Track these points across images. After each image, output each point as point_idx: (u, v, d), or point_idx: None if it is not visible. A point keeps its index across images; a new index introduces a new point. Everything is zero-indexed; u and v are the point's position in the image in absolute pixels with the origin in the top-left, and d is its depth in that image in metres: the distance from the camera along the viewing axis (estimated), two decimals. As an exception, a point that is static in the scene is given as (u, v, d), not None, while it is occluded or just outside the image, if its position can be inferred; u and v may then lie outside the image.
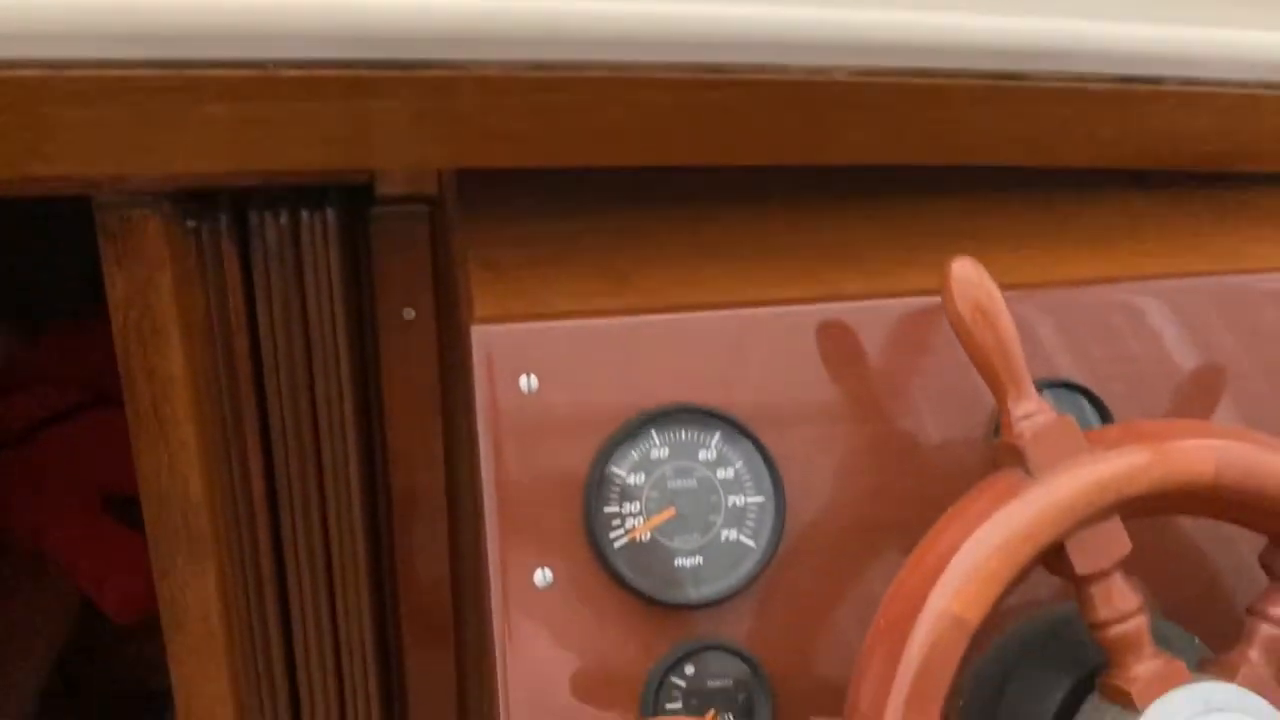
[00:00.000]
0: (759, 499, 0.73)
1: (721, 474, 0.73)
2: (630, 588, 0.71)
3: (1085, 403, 0.78)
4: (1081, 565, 0.64)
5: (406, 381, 0.90)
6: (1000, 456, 0.66)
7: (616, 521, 0.71)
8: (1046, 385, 0.77)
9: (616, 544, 0.71)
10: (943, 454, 0.76)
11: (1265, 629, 0.67)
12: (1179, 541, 0.79)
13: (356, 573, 0.92)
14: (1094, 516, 0.64)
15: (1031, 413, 0.65)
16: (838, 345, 0.76)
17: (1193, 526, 0.78)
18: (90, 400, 1.67)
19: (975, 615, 0.62)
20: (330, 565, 0.92)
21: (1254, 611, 0.68)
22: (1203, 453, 0.65)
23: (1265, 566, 0.69)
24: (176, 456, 0.89)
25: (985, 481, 0.65)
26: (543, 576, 0.71)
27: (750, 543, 0.73)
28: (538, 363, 0.71)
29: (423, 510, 0.92)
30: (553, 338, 0.72)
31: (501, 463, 0.70)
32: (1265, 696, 0.65)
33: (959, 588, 0.62)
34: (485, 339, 0.71)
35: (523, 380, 0.71)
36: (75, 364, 1.68)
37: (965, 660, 0.63)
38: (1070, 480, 0.63)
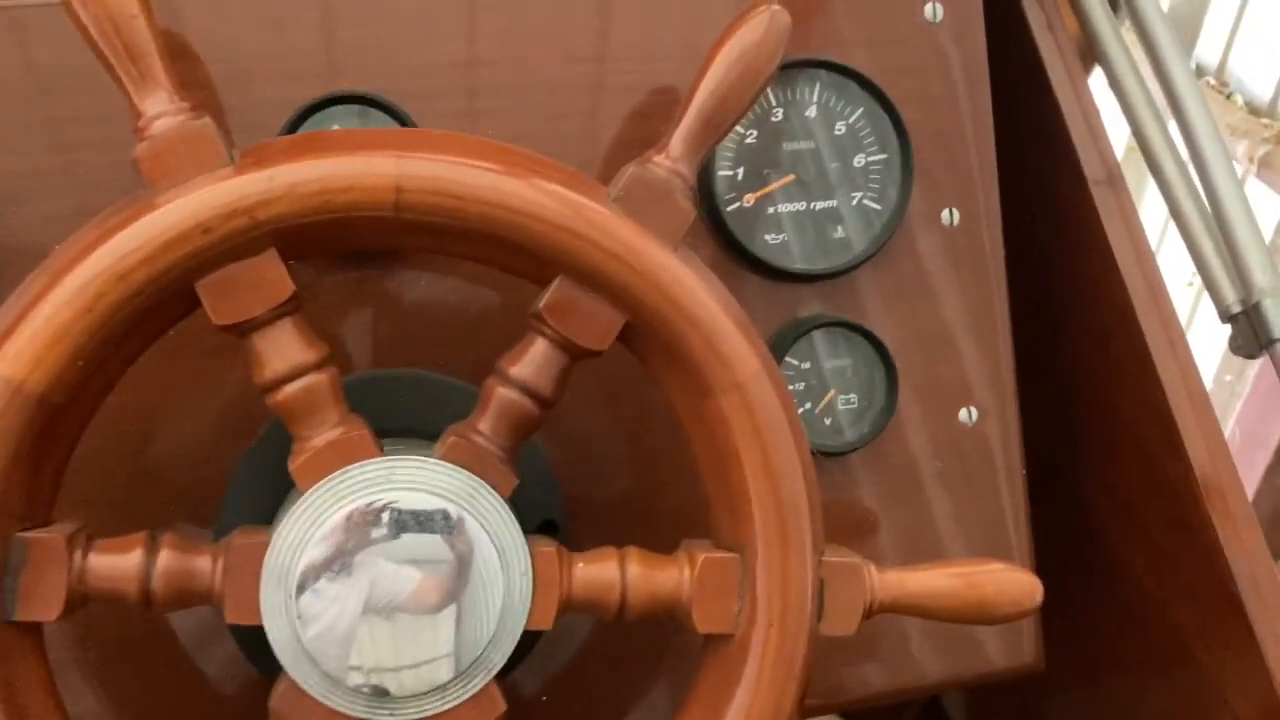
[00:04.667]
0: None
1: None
2: None
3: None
4: (221, 312, 0.50)
5: None
6: None
7: None
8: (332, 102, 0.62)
9: None
10: None
11: (501, 392, 0.54)
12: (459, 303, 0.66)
13: None
14: (229, 250, 0.49)
15: (163, 113, 0.50)
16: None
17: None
18: None
19: (40, 378, 0.47)
20: None
21: (494, 370, 0.55)
22: (381, 165, 0.50)
23: (529, 317, 0.55)
24: None
25: (104, 213, 0.51)
26: None
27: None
28: None
29: None
30: None
31: None
32: (474, 469, 0.52)
33: (20, 348, 0.48)
34: None
35: None
36: None
37: (54, 436, 0.49)
38: (184, 203, 0.48)
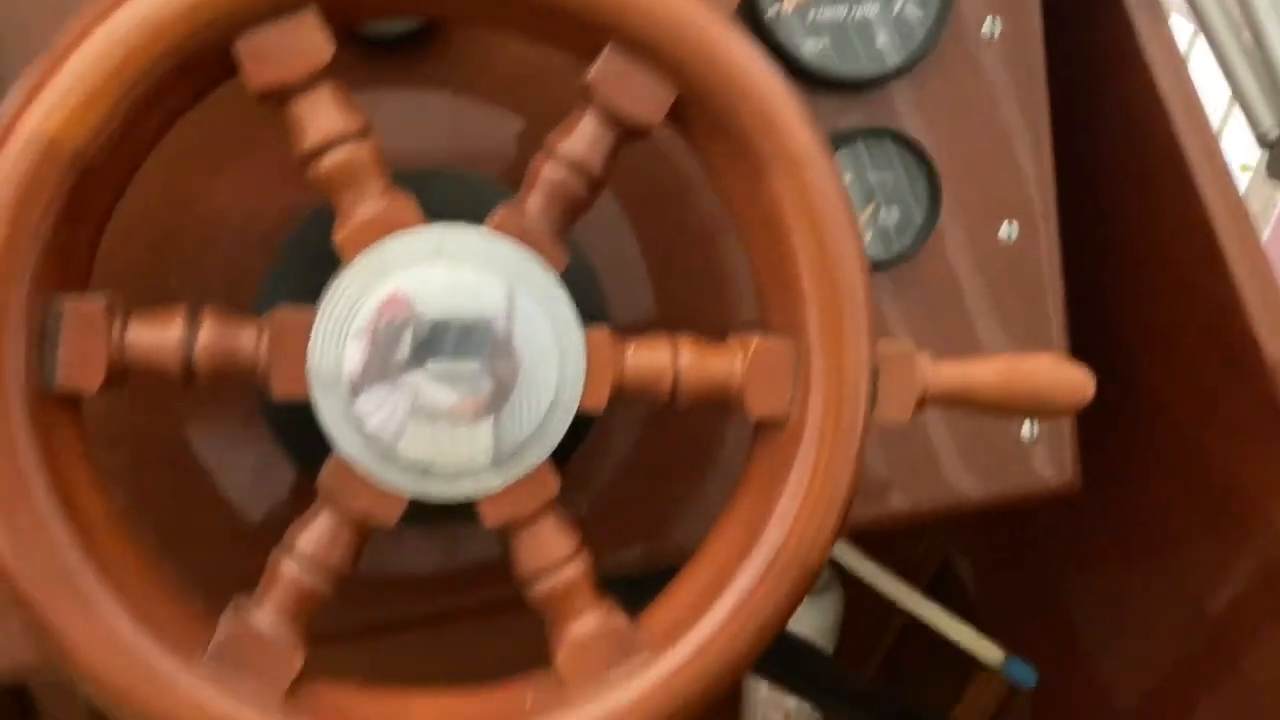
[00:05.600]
0: None
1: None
2: None
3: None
4: (258, 74, 0.48)
5: None
6: None
7: None
8: None
9: None
10: None
11: (549, 169, 0.52)
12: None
13: None
14: (269, 6, 0.47)
15: None
16: None
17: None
18: None
19: (74, 135, 0.45)
20: None
21: (542, 147, 0.53)
22: None
23: (577, 93, 0.53)
24: None
25: None
26: None
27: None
28: None
29: None
30: None
31: None
32: (527, 241, 0.51)
33: (53, 104, 0.46)
34: None
35: None
36: None
37: (89, 199, 0.47)
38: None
